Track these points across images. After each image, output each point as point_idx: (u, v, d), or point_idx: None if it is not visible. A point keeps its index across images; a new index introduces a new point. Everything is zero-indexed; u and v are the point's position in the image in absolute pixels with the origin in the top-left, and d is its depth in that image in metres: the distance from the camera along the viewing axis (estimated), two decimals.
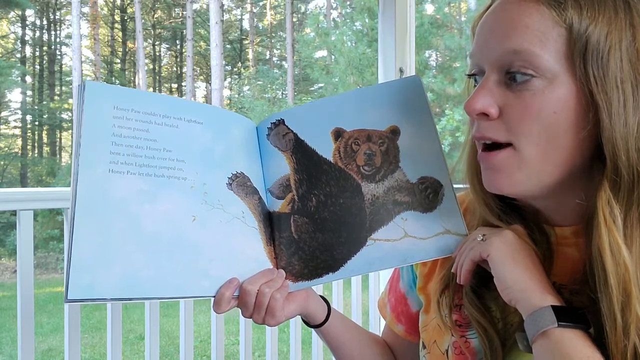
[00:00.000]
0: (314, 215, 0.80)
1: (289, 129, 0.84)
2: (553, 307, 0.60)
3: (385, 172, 0.79)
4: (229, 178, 0.78)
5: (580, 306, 0.64)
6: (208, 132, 0.79)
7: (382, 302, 0.95)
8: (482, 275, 0.71)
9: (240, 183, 0.79)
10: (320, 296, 0.87)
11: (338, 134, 0.82)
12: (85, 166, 0.69)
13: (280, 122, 0.84)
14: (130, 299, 0.69)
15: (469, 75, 0.72)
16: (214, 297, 0.73)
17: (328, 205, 0.79)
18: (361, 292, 2.11)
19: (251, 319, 0.77)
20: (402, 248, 0.75)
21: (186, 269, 0.72)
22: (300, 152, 0.83)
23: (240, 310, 0.76)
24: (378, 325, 2.12)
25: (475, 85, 0.71)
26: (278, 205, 0.82)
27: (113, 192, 0.70)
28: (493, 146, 0.67)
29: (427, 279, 0.84)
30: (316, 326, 0.85)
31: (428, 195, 0.76)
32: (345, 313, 2.14)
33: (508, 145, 0.65)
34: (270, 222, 0.82)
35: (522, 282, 0.63)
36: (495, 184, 0.68)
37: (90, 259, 0.67)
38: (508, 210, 0.73)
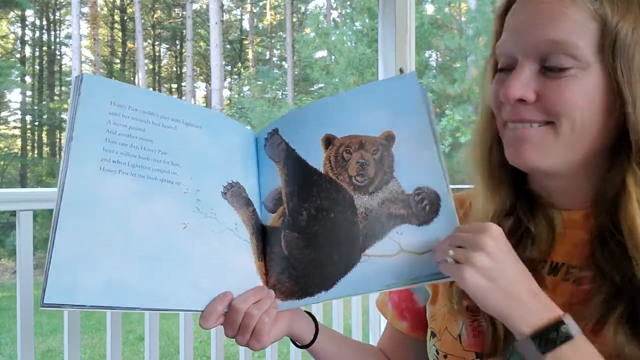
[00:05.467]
0: (305, 230, 0.75)
1: (281, 138, 0.79)
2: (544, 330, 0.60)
3: (380, 183, 0.73)
4: (224, 187, 0.75)
5: (590, 285, 0.67)
6: (206, 137, 0.75)
7: (381, 302, 0.94)
8: None
9: (235, 193, 0.75)
10: (307, 312, 0.82)
11: (328, 141, 0.76)
12: (75, 161, 0.66)
13: (275, 131, 0.80)
14: (111, 308, 0.65)
15: (501, 70, 0.71)
16: (203, 311, 0.70)
17: (319, 220, 0.74)
18: None
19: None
20: (398, 264, 0.69)
21: (174, 278, 0.68)
22: (291, 162, 0.78)
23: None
24: (378, 327, 2.12)
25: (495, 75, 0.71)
26: (270, 219, 0.78)
27: (102, 191, 0.66)
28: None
29: None
30: (304, 346, 0.81)
31: (424, 207, 0.70)
32: (345, 314, 2.14)
33: (547, 123, 0.67)
34: (264, 237, 0.77)
35: (508, 311, 0.61)
36: (526, 156, 0.68)
37: (74, 259, 0.63)
38: (518, 196, 0.75)
